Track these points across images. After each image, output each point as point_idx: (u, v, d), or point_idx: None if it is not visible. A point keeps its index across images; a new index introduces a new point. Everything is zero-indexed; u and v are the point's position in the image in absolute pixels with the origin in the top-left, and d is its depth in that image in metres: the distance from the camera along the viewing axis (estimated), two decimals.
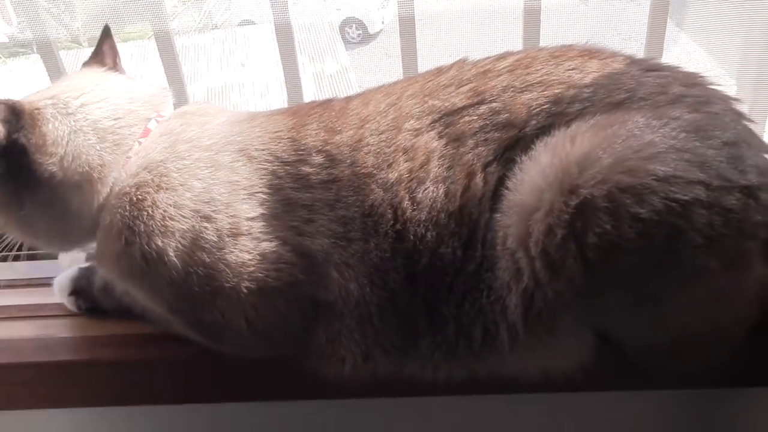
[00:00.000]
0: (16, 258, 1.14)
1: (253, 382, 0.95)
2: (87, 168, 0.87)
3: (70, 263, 1.06)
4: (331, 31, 4.41)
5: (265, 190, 0.85)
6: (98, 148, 0.88)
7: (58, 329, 1.01)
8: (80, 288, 1.03)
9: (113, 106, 0.91)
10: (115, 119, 0.90)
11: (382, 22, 4.60)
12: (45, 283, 1.09)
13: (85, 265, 1.05)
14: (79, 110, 0.89)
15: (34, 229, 0.92)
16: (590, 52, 0.87)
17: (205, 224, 0.83)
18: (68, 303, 1.03)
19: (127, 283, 0.89)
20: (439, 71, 0.91)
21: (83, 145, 0.87)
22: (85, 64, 1.00)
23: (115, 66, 1.01)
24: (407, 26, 1.13)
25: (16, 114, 0.87)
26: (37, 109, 0.89)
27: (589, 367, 0.84)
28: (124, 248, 0.84)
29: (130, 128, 0.90)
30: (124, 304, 0.98)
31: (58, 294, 1.04)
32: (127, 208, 0.85)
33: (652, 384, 0.93)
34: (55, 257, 1.09)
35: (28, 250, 1.06)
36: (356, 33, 4.61)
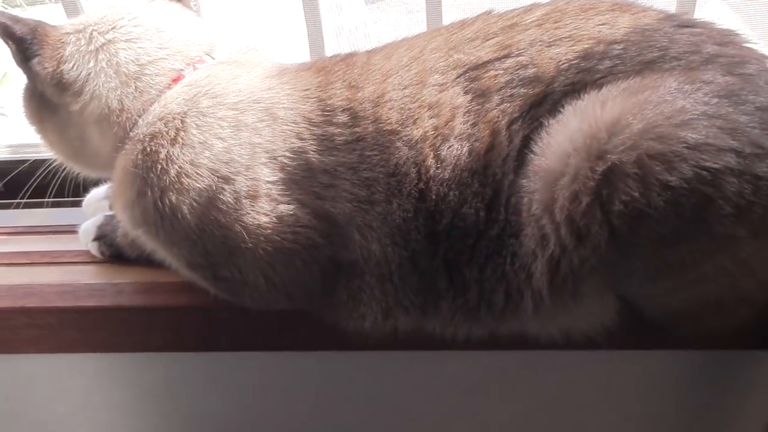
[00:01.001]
0: (40, 205, 1.16)
1: (275, 331, 0.96)
2: (106, 110, 0.85)
3: (94, 210, 1.07)
4: None
5: (288, 154, 0.84)
6: (119, 92, 0.85)
7: (82, 275, 1.02)
8: (104, 234, 1.03)
9: (141, 50, 0.87)
10: (139, 65, 0.86)
11: None
12: (68, 230, 1.10)
13: (110, 212, 1.05)
14: (103, 48, 0.86)
15: (57, 146, 0.93)
16: (621, 6, 0.85)
17: (223, 185, 0.82)
18: (92, 248, 1.04)
19: (138, 231, 0.88)
20: (463, 24, 0.89)
21: (103, 86, 0.85)
22: None
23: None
24: None
25: (37, 39, 0.86)
26: (61, 41, 0.87)
27: (610, 328, 0.84)
28: (136, 197, 0.84)
29: (154, 77, 0.87)
30: (147, 252, 0.97)
31: (82, 239, 1.04)
32: (140, 157, 0.83)
33: (672, 344, 0.93)
34: (78, 204, 1.09)
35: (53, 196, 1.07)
36: None
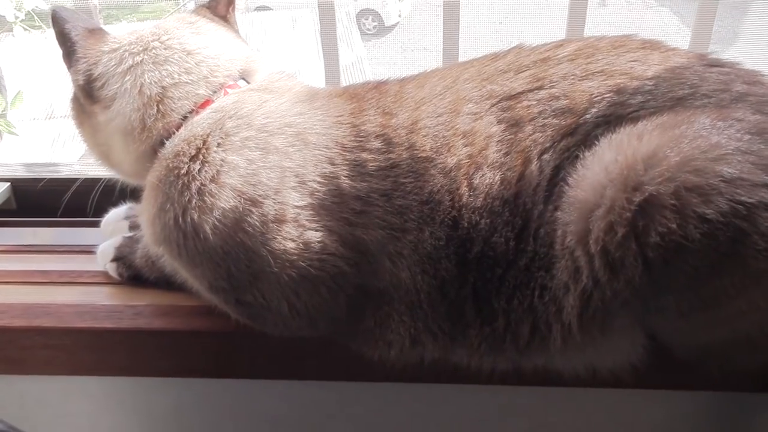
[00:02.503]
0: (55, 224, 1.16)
1: (294, 359, 0.95)
2: (129, 127, 0.88)
3: (112, 231, 1.06)
4: (348, 20, 4.40)
5: (318, 179, 0.83)
6: (142, 113, 0.87)
7: (100, 296, 1.01)
8: (123, 255, 1.02)
9: (165, 72, 0.88)
10: (162, 87, 0.87)
11: (399, 15, 4.58)
12: (86, 250, 1.09)
13: (129, 234, 1.05)
14: (131, 70, 0.88)
15: (91, 148, 0.96)
16: (651, 44, 0.87)
17: (250, 207, 0.81)
18: (110, 269, 1.03)
19: (160, 249, 0.87)
20: (495, 57, 0.90)
21: (127, 105, 0.87)
22: (198, 7, 0.98)
23: (226, 17, 0.98)
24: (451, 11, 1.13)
25: (80, 49, 0.91)
26: (97, 57, 0.90)
27: (637, 365, 0.84)
28: (158, 212, 0.84)
29: (177, 101, 0.87)
30: (166, 274, 0.97)
31: (100, 260, 1.03)
32: (163, 173, 0.84)
33: (698, 385, 0.93)
34: (96, 225, 1.08)
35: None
36: (372, 24, 4.59)
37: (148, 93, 0.87)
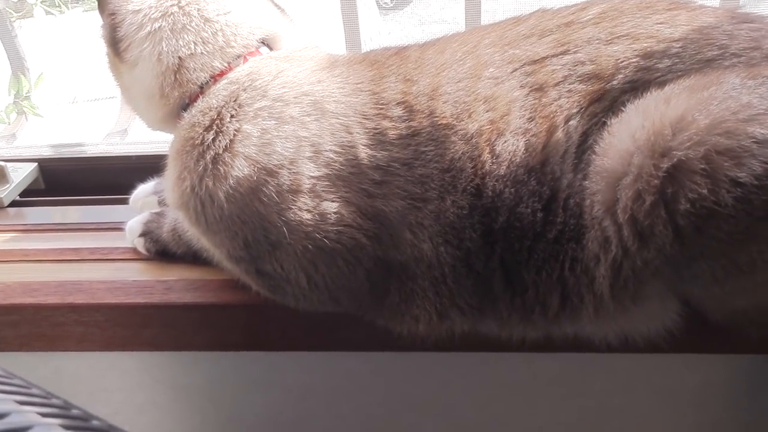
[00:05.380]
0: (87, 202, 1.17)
1: (326, 331, 0.95)
2: (148, 93, 0.90)
3: (141, 206, 1.07)
4: None
5: (335, 148, 0.82)
6: (160, 80, 0.88)
7: (131, 272, 1.01)
8: (150, 230, 1.03)
9: (182, 42, 0.87)
10: (179, 57, 0.87)
11: None
12: (115, 227, 1.10)
13: (156, 210, 1.05)
14: (149, 36, 0.88)
15: (125, 100, 0.99)
16: (678, 4, 0.85)
17: (266, 177, 0.81)
18: (138, 244, 1.04)
19: (180, 213, 0.88)
20: (517, 21, 0.88)
21: (147, 72, 0.88)
22: None
23: None
24: None
25: (109, 5, 0.91)
26: (121, 17, 0.90)
27: (673, 331, 0.83)
28: (176, 180, 0.86)
29: (193, 72, 0.87)
30: (193, 249, 0.98)
31: (128, 235, 1.04)
32: (181, 143, 0.86)
33: (736, 348, 0.92)
34: (125, 202, 1.09)
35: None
36: None
37: (166, 62, 0.87)
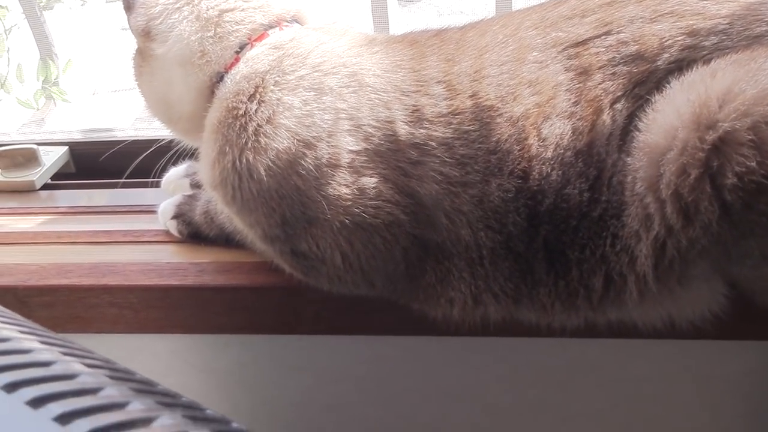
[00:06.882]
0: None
1: (362, 314, 0.94)
2: (188, 52, 0.88)
3: (173, 189, 1.07)
4: None
5: (373, 123, 0.81)
6: (200, 35, 0.87)
7: (164, 254, 1.01)
8: (182, 212, 1.02)
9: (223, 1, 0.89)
10: (219, 10, 0.88)
11: None
12: (148, 210, 1.10)
13: (189, 192, 1.05)
14: (189, 1, 0.88)
15: (148, 99, 0.97)
16: None
17: (304, 150, 0.80)
18: (170, 227, 1.03)
19: (215, 193, 0.87)
20: (558, 2, 0.86)
21: (185, 31, 0.87)
22: None
23: None
24: None
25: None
26: (154, 2, 0.90)
27: (717, 314, 0.81)
28: (217, 155, 0.84)
29: (233, 24, 0.87)
30: (225, 231, 0.97)
31: (161, 218, 1.04)
32: (223, 114, 0.84)
33: None
34: (157, 186, 1.09)
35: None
36: None
37: (205, 15, 0.87)
